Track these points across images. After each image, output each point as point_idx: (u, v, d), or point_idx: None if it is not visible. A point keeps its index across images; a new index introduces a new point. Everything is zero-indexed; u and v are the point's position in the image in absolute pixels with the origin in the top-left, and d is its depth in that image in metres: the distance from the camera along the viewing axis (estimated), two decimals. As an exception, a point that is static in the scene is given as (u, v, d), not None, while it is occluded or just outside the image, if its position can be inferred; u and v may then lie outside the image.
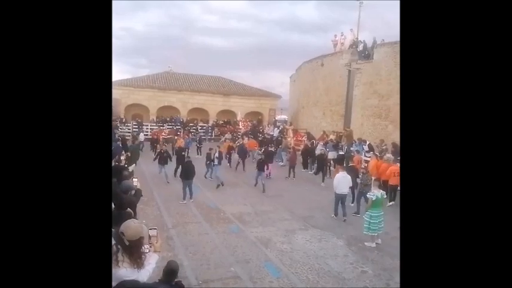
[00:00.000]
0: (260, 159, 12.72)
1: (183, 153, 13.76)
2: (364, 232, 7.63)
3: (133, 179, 6.09)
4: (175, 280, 3.56)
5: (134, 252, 2.79)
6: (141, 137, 20.25)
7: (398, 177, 10.52)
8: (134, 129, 23.88)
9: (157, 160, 13.13)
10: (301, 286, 5.84)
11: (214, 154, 12.75)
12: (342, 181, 9.26)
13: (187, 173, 10.51)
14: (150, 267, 2.96)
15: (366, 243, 7.51)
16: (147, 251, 2.97)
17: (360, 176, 10.23)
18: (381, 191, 7.82)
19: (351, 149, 15.05)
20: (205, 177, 13.19)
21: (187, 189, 10.43)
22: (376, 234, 7.55)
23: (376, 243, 7.52)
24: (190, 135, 22.67)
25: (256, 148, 17.54)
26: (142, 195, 6.10)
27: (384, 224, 7.61)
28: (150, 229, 3.21)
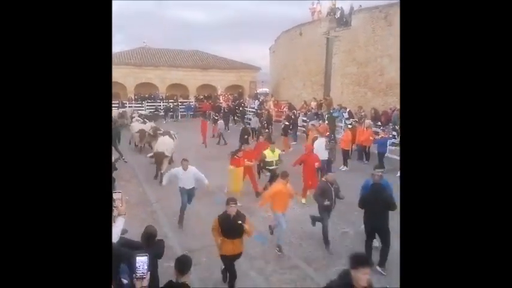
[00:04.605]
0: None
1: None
2: None
3: None
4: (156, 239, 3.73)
5: None
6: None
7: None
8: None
9: None
10: (284, 250, 6.01)
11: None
12: (320, 147, 9.36)
13: None
14: (118, 229, 3.01)
15: None
16: (114, 214, 3.00)
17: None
18: None
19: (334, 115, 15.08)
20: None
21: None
22: None
23: None
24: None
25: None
26: (116, 169, 6.01)
27: None
28: (114, 192, 3.21)
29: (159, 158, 9.91)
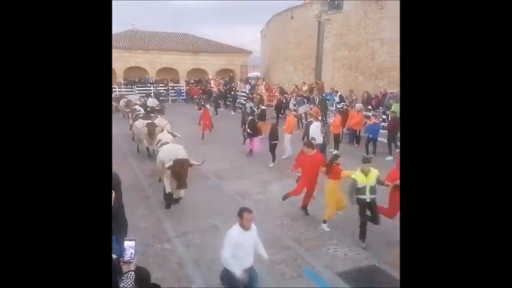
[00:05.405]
0: None
1: None
2: None
3: None
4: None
5: None
6: None
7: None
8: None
9: None
10: (276, 231, 6.16)
11: None
12: (315, 131, 9.44)
13: None
14: None
15: None
16: None
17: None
18: None
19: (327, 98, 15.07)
20: None
21: None
22: None
23: None
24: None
25: None
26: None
27: None
28: None
29: (182, 169, 6.50)
